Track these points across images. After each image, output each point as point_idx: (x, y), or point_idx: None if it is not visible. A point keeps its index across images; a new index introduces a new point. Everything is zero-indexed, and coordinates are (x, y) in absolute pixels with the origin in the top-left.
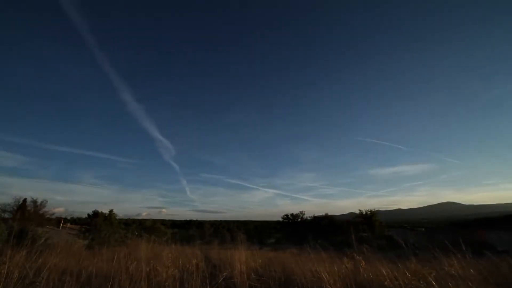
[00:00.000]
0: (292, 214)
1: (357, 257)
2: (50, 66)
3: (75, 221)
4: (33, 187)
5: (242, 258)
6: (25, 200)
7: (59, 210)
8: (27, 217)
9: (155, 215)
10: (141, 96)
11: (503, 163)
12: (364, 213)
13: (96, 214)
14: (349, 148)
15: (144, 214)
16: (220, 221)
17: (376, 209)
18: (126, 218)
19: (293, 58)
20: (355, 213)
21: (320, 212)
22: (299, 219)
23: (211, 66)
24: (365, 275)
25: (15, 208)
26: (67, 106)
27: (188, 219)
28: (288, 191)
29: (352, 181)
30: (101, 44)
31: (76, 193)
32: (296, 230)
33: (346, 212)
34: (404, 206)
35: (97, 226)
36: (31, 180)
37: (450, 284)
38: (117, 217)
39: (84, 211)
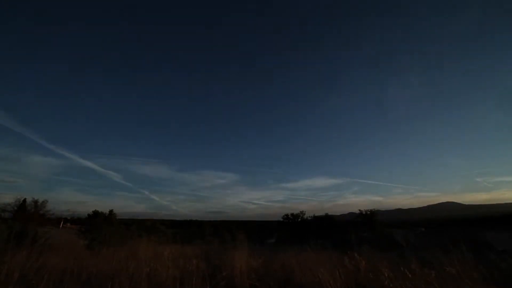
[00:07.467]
0: (292, 214)
1: (357, 257)
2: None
3: (75, 221)
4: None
5: (242, 258)
6: (25, 200)
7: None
8: (27, 217)
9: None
10: (76, 149)
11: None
12: (364, 213)
13: (96, 214)
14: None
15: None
16: (220, 221)
17: (376, 209)
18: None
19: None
20: (355, 213)
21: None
22: (299, 219)
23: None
24: (365, 275)
25: (15, 208)
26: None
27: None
28: (247, 198)
29: (281, 191)
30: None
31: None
32: (296, 230)
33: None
34: (404, 206)
35: (97, 226)
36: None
37: (450, 284)
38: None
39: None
